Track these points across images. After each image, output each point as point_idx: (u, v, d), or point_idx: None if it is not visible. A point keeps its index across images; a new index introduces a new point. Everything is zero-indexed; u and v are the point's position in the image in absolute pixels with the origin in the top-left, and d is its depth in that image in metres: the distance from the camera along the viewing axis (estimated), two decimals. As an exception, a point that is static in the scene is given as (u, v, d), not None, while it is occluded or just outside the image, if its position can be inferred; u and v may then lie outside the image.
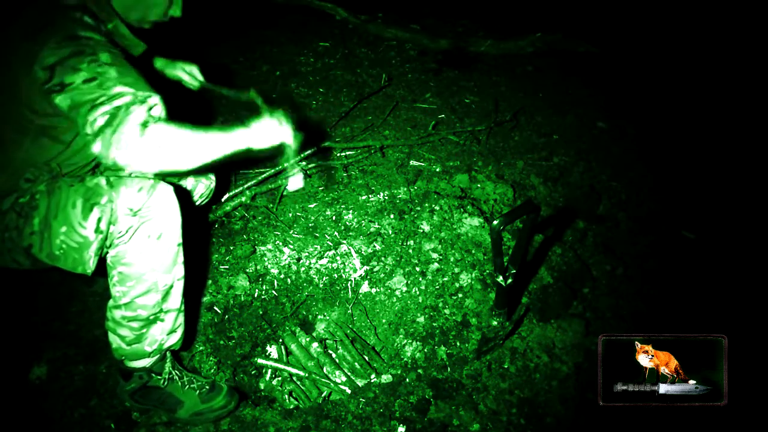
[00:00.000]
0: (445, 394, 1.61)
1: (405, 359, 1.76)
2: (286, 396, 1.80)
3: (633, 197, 2.44)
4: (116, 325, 1.37)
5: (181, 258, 1.37)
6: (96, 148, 1.12)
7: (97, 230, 1.24)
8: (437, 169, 2.50)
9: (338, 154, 2.58)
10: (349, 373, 1.80)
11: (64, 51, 1.15)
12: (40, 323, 1.80)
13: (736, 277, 2.03)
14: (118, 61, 1.20)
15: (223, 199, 2.22)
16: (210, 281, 1.95)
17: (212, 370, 1.73)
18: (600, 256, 2.10)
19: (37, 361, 1.68)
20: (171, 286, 1.37)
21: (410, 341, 1.80)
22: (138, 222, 1.25)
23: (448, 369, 1.69)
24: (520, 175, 2.52)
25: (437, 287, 1.93)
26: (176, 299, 1.40)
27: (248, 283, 1.97)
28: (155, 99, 1.19)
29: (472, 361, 1.69)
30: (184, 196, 1.67)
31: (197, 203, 1.87)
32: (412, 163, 2.56)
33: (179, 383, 1.52)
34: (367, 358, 1.89)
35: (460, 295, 1.89)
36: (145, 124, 1.12)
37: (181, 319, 1.45)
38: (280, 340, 1.94)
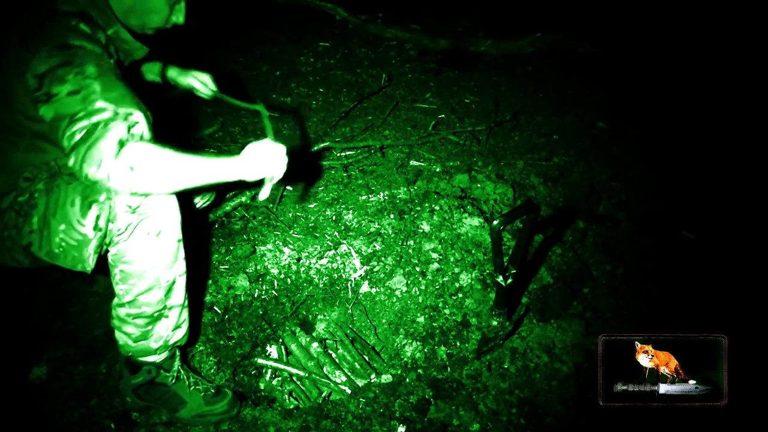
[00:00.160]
0: (445, 394, 1.61)
1: (405, 359, 1.76)
2: (286, 396, 1.80)
3: (633, 197, 2.44)
4: (121, 322, 1.38)
5: (182, 254, 1.36)
6: (70, 162, 1.09)
7: (96, 228, 1.24)
8: (437, 169, 2.50)
9: (338, 154, 2.59)
10: (349, 373, 1.80)
11: (54, 60, 1.13)
12: (40, 323, 1.80)
13: (736, 277, 2.03)
14: (104, 74, 1.16)
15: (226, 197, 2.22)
16: (210, 281, 1.95)
17: (212, 370, 1.73)
18: (600, 256, 2.10)
19: (37, 361, 1.68)
20: (173, 282, 1.37)
21: (410, 341, 1.80)
22: (137, 219, 1.25)
23: (448, 369, 1.69)
24: (520, 175, 2.53)
25: (437, 287, 1.93)
26: (179, 295, 1.40)
27: (248, 283, 1.97)
28: (138, 116, 1.15)
29: (472, 361, 1.69)
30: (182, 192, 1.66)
31: (198, 206, 1.87)
32: (412, 163, 2.56)
33: (186, 383, 1.52)
34: (367, 358, 1.89)
35: (460, 295, 1.89)
36: (122, 143, 1.09)
37: (185, 314, 1.45)
38: (280, 340, 1.94)
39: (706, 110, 3.09)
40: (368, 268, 2.07)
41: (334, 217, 2.21)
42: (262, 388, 1.83)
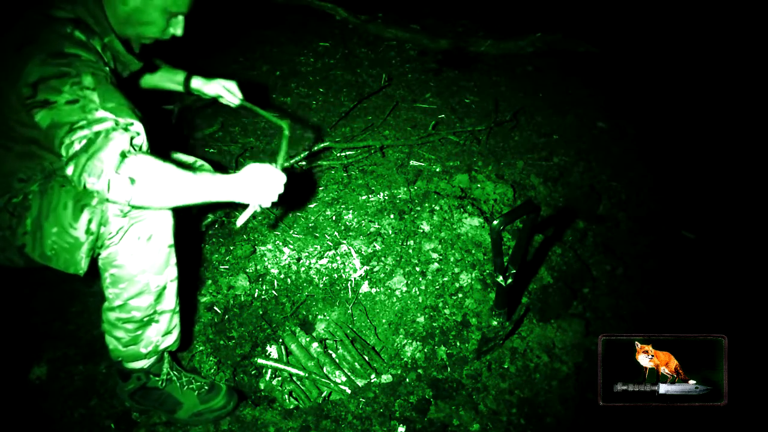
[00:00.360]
0: (445, 394, 1.61)
1: (405, 359, 1.76)
2: (286, 396, 1.80)
3: (633, 197, 2.44)
4: (112, 327, 1.37)
5: (173, 259, 1.36)
6: (68, 171, 1.07)
7: (88, 231, 1.24)
8: (437, 169, 2.50)
9: (338, 154, 2.59)
10: (349, 373, 1.80)
11: (47, 69, 1.11)
12: (40, 323, 1.80)
13: (736, 277, 2.03)
14: (102, 84, 1.14)
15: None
16: (210, 281, 1.95)
17: (212, 370, 1.73)
18: (600, 256, 2.10)
19: (37, 361, 1.68)
20: (164, 288, 1.36)
21: (410, 341, 1.80)
22: (128, 223, 1.24)
23: (448, 369, 1.69)
24: (520, 175, 2.52)
25: (437, 287, 1.93)
26: (170, 300, 1.40)
27: (248, 283, 1.97)
28: (138, 127, 1.14)
29: (472, 361, 1.69)
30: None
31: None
32: (412, 163, 2.56)
33: (177, 384, 1.52)
34: (367, 358, 1.89)
35: (460, 295, 1.89)
36: (124, 154, 1.07)
37: (176, 320, 1.45)
38: (280, 340, 1.94)
39: (706, 110, 3.09)
40: (368, 268, 2.07)
41: (334, 217, 2.21)
42: (262, 388, 1.83)
